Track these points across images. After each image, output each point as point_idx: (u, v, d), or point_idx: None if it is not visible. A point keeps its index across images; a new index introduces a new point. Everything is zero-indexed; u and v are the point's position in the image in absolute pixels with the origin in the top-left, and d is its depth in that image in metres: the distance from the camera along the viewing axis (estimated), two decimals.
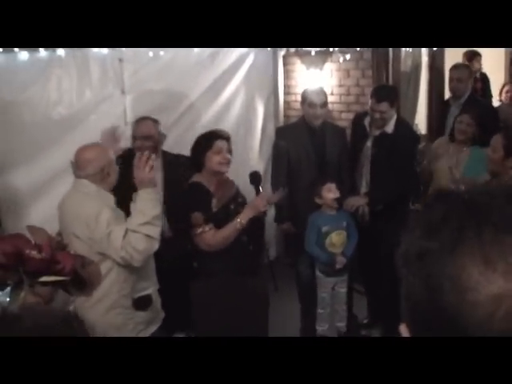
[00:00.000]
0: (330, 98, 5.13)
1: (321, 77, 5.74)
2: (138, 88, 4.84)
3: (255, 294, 3.65)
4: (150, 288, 3.32)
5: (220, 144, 3.58)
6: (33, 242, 2.34)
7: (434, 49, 5.57)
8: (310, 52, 5.69)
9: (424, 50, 5.76)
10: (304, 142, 4.46)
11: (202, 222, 3.47)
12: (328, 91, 5.00)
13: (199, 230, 3.48)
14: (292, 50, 5.88)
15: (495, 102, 6.52)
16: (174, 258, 3.82)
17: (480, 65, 6.84)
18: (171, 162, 4.10)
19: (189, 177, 3.65)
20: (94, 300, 2.98)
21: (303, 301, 4.57)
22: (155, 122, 4.11)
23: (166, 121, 4.95)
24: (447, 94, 5.52)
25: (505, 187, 0.75)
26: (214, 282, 3.53)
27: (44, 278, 2.27)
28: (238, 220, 3.48)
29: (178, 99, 5.14)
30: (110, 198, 3.13)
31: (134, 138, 4.04)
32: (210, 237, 3.49)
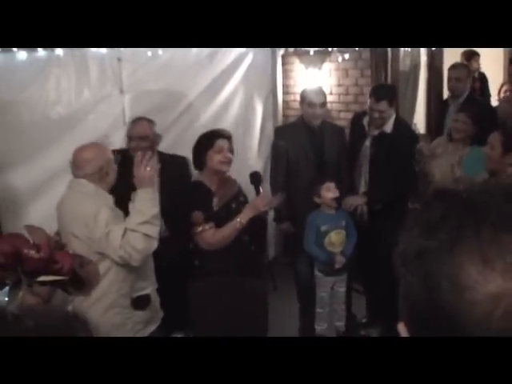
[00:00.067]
0: (329, 98, 5.13)
1: (319, 76, 5.74)
2: (136, 87, 4.84)
3: (254, 294, 3.65)
4: (149, 287, 3.33)
5: (221, 143, 3.62)
6: (31, 241, 2.34)
7: (433, 48, 5.58)
8: (308, 51, 5.69)
9: (423, 50, 5.77)
10: (303, 141, 4.47)
11: (201, 221, 3.50)
12: (327, 91, 5.00)
13: (199, 229, 3.52)
14: (291, 49, 5.89)
15: (494, 102, 6.53)
16: (171, 257, 3.81)
17: (478, 64, 6.85)
18: (166, 162, 4.08)
19: (184, 177, 3.66)
20: (92, 299, 2.97)
21: (302, 300, 4.58)
22: (151, 122, 4.09)
23: (164, 120, 4.96)
24: (446, 94, 5.53)
25: (503, 186, 0.75)
26: (213, 282, 3.54)
27: (42, 278, 2.27)
28: (238, 220, 3.52)
29: (177, 99, 5.13)
30: (109, 198, 3.13)
31: (130, 138, 4.02)
32: (210, 236, 3.53)
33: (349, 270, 4.28)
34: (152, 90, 4.92)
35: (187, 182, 3.78)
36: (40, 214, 4.03)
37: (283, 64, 6.05)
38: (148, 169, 3.11)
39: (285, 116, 6.13)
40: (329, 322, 4.33)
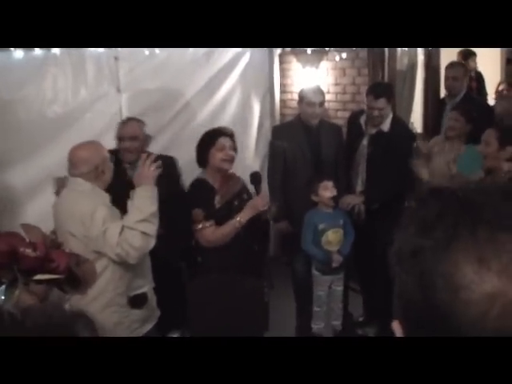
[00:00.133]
0: (326, 97, 5.13)
1: (317, 75, 5.73)
2: (133, 86, 4.84)
3: (251, 293, 3.66)
4: (146, 286, 3.32)
5: (223, 141, 3.66)
6: (27, 240, 2.34)
7: (430, 48, 5.58)
8: (305, 51, 5.68)
9: (420, 49, 5.77)
10: (300, 140, 4.47)
11: (201, 219, 3.54)
12: (324, 90, 5.00)
13: (199, 226, 3.56)
14: (288, 48, 5.88)
15: (490, 101, 6.54)
16: (167, 255, 3.82)
17: (475, 64, 6.86)
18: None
19: (172, 176, 3.67)
20: (89, 298, 2.97)
21: (299, 299, 4.58)
22: (141, 122, 4.05)
23: (161, 119, 4.97)
24: (443, 93, 5.54)
25: (499, 185, 0.75)
26: (211, 281, 3.55)
27: (38, 277, 2.27)
28: (238, 219, 3.55)
29: (174, 98, 5.13)
30: (105, 196, 3.13)
31: (120, 139, 3.95)
32: (210, 233, 3.57)
33: (346, 268, 4.28)
34: (149, 89, 4.92)
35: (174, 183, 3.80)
36: (37, 213, 4.03)
37: (280, 63, 6.04)
38: (152, 168, 3.14)
39: (282, 115, 6.12)
40: (326, 321, 4.33)
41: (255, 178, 3.77)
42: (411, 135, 4.66)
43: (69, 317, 1.29)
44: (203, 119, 5.27)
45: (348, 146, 4.58)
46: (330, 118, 5.45)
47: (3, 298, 2.30)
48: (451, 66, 5.24)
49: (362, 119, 4.43)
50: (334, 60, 5.63)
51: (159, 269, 3.47)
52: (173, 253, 3.86)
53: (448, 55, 5.80)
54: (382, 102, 4.22)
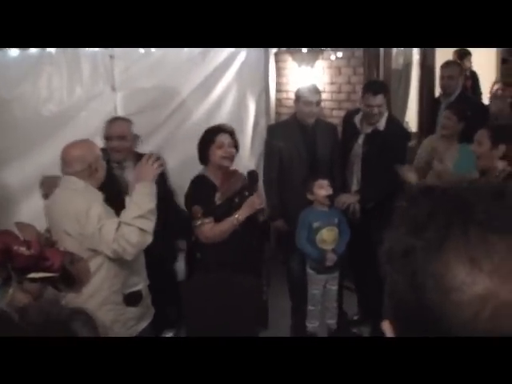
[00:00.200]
0: (322, 96, 5.14)
1: (312, 74, 5.74)
2: (128, 85, 4.82)
3: (251, 291, 3.67)
4: (141, 284, 3.34)
5: (222, 138, 3.70)
6: (21, 238, 2.34)
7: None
8: (301, 49, 5.69)
9: (415, 49, 5.78)
10: (296, 139, 4.47)
11: (200, 215, 3.59)
12: (319, 89, 5.01)
13: (198, 223, 3.62)
14: None
15: (485, 100, 6.55)
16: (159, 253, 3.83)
17: (470, 63, 6.88)
18: None
19: (160, 175, 3.68)
20: (84, 297, 2.96)
21: (294, 298, 4.58)
22: (129, 122, 4.03)
23: (156, 118, 4.96)
24: (438, 92, 5.54)
25: (490, 184, 0.75)
26: (209, 280, 3.56)
27: (32, 275, 2.27)
28: (236, 216, 3.61)
29: (169, 96, 5.12)
30: (99, 195, 3.13)
31: (108, 138, 3.91)
32: (208, 230, 3.63)
33: (341, 267, 4.28)
34: (144, 88, 4.91)
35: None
36: (32, 211, 4.01)
37: (276, 62, 6.04)
38: (155, 166, 3.16)
39: (277, 114, 6.12)
40: (320, 320, 4.33)
41: (252, 176, 3.81)
42: (406, 134, 4.67)
43: (67, 314, 1.28)
44: (199, 118, 5.27)
45: (343, 145, 4.59)
46: (325, 117, 5.45)
47: None
48: (446, 65, 5.25)
49: (357, 118, 4.44)
50: (330, 59, 5.64)
51: (153, 267, 3.48)
52: (167, 251, 3.86)
53: (443, 54, 5.81)
54: (380, 99, 4.24)
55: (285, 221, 4.49)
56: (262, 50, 5.83)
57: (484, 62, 7.20)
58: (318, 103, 4.51)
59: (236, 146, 3.79)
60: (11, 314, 1.26)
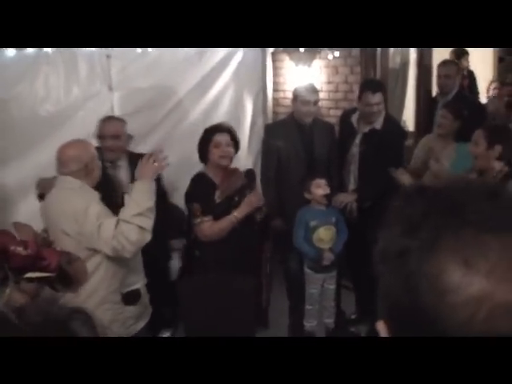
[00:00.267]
0: (319, 95, 5.14)
1: (309, 74, 5.74)
2: (125, 85, 4.82)
3: (246, 292, 3.67)
4: (139, 282, 3.35)
5: (219, 138, 3.74)
6: (18, 238, 2.34)
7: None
8: (298, 49, 5.68)
9: (412, 48, 5.78)
10: (293, 138, 4.47)
11: (199, 213, 3.63)
12: (317, 88, 5.01)
13: (198, 220, 3.65)
14: None
15: (483, 99, 6.56)
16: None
17: (467, 62, 6.88)
18: (138, 161, 3.97)
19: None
20: (82, 296, 2.97)
21: (292, 297, 4.58)
22: (122, 121, 4.03)
23: (153, 118, 4.96)
24: (435, 91, 5.55)
25: (484, 184, 0.74)
26: (209, 280, 3.57)
27: (29, 275, 2.27)
28: (235, 214, 3.65)
29: (166, 96, 5.12)
30: (95, 194, 3.13)
31: (101, 137, 3.89)
32: (207, 227, 3.66)
33: (338, 267, 4.28)
34: (141, 88, 4.90)
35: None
36: (30, 211, 4.01)
37: (273, 61, 6.04)
38: (155, 164, 3.17)
39: (275, 113, 6.12)
40: (318, 319, 4.33)
41: (249, 175, 3.87)
42: (403, 133, 4.68)
43: (66, 313, 1.28)
44: (196, 118, 5.27)
45: (340, 144, 4.59)
46: (322, 117, 5.45)
47: None
48: (444, 64, 5.25)
49: (354, 117, 4.44)
50: (327, 58, 5.64)
51: (148, 266, 3.49)
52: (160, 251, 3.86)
53: (440, 54, 5.80)
54: (379, 97, 4.26)
55: (282, 220, 4.49)
56: (259, 49, 5.82)
57: (481, 60, 7.21)
58: (316, 102, 4.52)
59: (236, 144, 3.83)
60: (8, 314, 1.25)
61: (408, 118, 5.97)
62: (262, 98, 6.03)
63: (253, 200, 3.70)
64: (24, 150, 4.24)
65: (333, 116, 5.55)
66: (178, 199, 4.50)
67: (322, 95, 5.61)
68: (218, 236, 3.67)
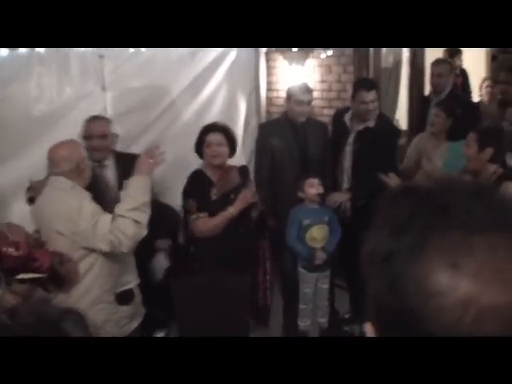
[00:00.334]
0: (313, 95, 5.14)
1: (303, 73, 5.73)
2: (118, 85, 4.81)
3: (237, 291, 3.67)
4: (132, 282, 3.37)
5: (210, 138, 3.80)
6: (10, 239, 2.33)
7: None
8: (291, 48, 5.68)
9: None
10: (287, 138, 4.47)
11: (195, 210, 3.69)
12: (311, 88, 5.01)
13: (193, 217, 3.72)
14: None
15: (475, 98, 6.58)
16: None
17: (461, 61, 6.89)
18: (124, 160, 3.98)
19: None
20: (77, 296, 2.98)
21: (286, 296, 4.58)
22: (108, 121, 4.02)
23: (146, 118, 4.95)
24: (427, 90, 5.55)
25: (470, 184, 0.74)
26: (196, 280, 3.57)
27: (21, 276, 2.26)
28: (230, 211, 3.70)
29: (159, 96, 5.11)
30: (87, 194, 3.13)
31: (88, 137, 3.85)
32: (202, 224, 3.72)
33: (332, 266, 4.28)
34: (134, 87, 4.89)
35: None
36: (24, 212, 3.99)
37: (266, 61, 6.03)
38: (151, 160, 3.19)
39: (268, 113, 6.11)
40: (312, 319, 4.33)
41: (243, 171, 3.94)
42: (396, 131, 4.68)
43: (58, 314, 1.27)
44: (189, 118, 5.26)
45: (333, 143, 4.59)
46: (315, 116, 5.45)
47: None
48: (437, 63, 5.25)
49: (347, 117, 4.45)
50: (320, 57, 5.63)
51: (143, 266, 3.49)
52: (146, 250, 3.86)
53: (433, 53, 5.80)
54: (373, 94, 4.29)
55: (276, 219, 4.49)
56: (252, 49, 5.81)
57: (474, 59, 7.22)
58: (310, 102, 4.52)
59: (232, 144, 3.87)
60: (0, 315, 1.25)
61: (401, 116, 5.98)
62: (256, 97, 6.02)
63: (247, 196, 3.76)
64: (17, 150, 4.23)
65: (326, 115, 5.54)
66: (171, 199, 4.50)
67: (315, 94, 5.60)
68: (212, 232, 3.72)
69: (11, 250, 2.23)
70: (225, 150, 3.82)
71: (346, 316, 4.78)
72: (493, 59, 7.61)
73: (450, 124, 4.16)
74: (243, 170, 3.99)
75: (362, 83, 4.43)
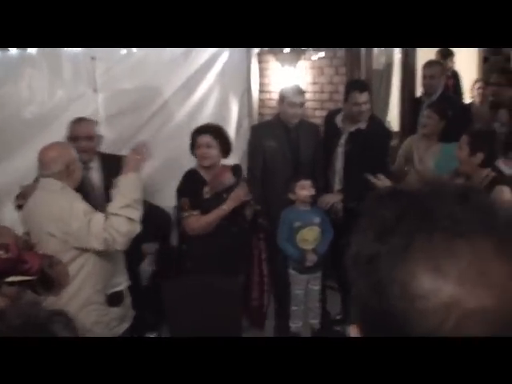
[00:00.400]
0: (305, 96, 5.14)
1: (295, 74, 5.73)
2: (110, 86, 4.80)
3: (229, 292, 3.66)
4: (123, 284, 3.38)
5: (199, 140, 3.84)
6: None
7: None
8: (283, 50, 5.68)
9: (397, 48, 5.79)
10: (279, 139, 4.47)
11: (187, 208, 3.72)
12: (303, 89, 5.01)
13: (185, 214, 3.75)
14: (266, 47, 5.87)
15: (467, 99, 6.60)
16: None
17: (452, 63, 6.91)
18: (109, 161, 3.93)
19: None
20: (67, 297, 2.98)
21: (277, 298, 4.57)
22: (94, 122, 4.01)
23: (138, 119, 4.94)
24: (419, 92, 5.57)
25: (454, 187, 0.73)
26: (187, 282, 3.57)
27: (11, 278, 2.25)
28: (223, 207, 3.74)
29: (151, 97, 5.10)
30: (77, 195, 3.13)
31: (75, 139, 3.81)
32: (195, 221, 3.75)
33: (323, 267, 4.28)
34: (126, 89, 4.89)
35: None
36: (14, 214, 3.97)
37: (258, 62, 6.03)
38: (138, 156, 3.22)
39: (260, 114, 6.11)
40: (304, 320, 4.33)
41: (236, 170, 3.98)
42: (388, 133, 4.69)
43: (46, 316, 1.27)
44: (181, 119, 5.26)
45: (325, 144, 4.59)
46: (307, 117, 5.45)
47: None
48: (429, 64, 5.27)
49: (338, 118, 4.46)
50: (312, 59, 5.64)
51: (131, 269, 3.48)
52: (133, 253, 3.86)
53: (424, 54, 5.82)
54: (366, 96, 4.30)
55: (268, 221, 4.48)
56: (244, 50, 5.81)
57: (465, 60, 7.24)
58: (302, 104, 4.52)
59: (225, 145, 3.90)
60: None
61: (392, 118, 5.99)
62: (248, 99, 6.02)
63: (240, 194, 3.79)
64: (8, 153, 4.22)
65: (318, 117, 5.55)
66: (164, 200, 4.49)
67: (307, 96, 5.61)
68: (205, 230, 3.75)
69: (0, 253, 2.21)
70: (214, 151, 3.83)
71: (338, 317, 4.78)
72: (484, 61, 7.64)
73: (443, 126, 4.17)
74: (236, 168, 4.02)
75: (355, 85, 4.45)
